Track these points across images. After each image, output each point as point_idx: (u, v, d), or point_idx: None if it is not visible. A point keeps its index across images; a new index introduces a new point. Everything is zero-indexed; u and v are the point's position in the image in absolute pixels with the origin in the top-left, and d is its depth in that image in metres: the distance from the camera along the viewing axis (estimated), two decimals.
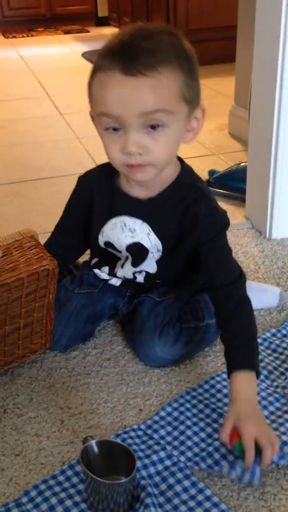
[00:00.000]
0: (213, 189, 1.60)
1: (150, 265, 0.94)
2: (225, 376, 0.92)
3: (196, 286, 1.03)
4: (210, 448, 0.79)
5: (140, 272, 0.96)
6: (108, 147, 0.78)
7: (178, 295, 1.00)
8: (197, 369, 0.94)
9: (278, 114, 1.23)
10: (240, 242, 1.33)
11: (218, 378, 0.91)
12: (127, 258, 0.95)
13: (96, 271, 1.01)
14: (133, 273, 0.96)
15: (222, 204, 1.52)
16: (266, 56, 1.23)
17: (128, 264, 0.95)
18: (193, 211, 0.87)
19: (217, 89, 2.74)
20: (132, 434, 0.81)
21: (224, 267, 0.89)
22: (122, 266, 0.96)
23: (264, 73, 1.25)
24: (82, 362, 0.97)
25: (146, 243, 0.91)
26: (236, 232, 1.38)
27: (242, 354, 0.83)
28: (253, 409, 0.78)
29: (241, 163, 1.69)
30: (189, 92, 0.77)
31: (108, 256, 0.97)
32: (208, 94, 2.71)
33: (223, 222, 0.90)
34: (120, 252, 0.94)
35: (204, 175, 1.67)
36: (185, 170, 0.89)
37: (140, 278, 0.96)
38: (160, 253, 0.92)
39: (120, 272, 0.98)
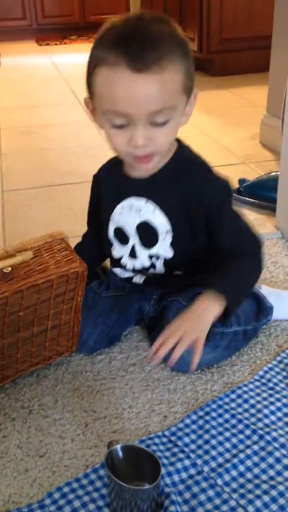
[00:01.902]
0: (243, 197, 1.59)
1: (165, 249, 0.93)
2: (252, 386, 0.90)
3: None
4: (235, 460, 0.77)
5: (157, 258, 0.94)
6: (114, 139, 0.81)
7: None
8: (223, 378, 0.93)
9: None
10: (269, 252, 1.32)
11: (245, 388, 0.90)
12: (133, 246, 0.95)
13: (118, 271, 1.02)
14: (150, 258, 0.95)
15: (252, 213, 1.53)
16: None
17: (140, 249, 0.94)
18: (194, 182, 0.88)
19: (249, 98, 2.73)
20: (157, 440, 0.81)
21: (239, 235, 0.90)
22: (135, 256, 0.96)
23: None
24: (108, 366, 0.97)
25: (153, 222, 0.91)
26: (266, 242, 1.36)
27: (219, 277, 0.86)
28: (199, 313, 0.82)
29: (272, 172, 1.67)
30: (188, 82, 0.79)
31: (111, 254, 0.99)
32: (240, 103, 2.71)
33: (227, 188, 0.90)
34: (128, 240, 0.95)
35: (234, 184, 1.67)
36: (181, 146, 0.92)
37: (159, 266, 0.95)
38: (172, 234, 0.91)
39: (137, 263, 0.97)
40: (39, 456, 0.79)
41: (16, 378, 0.93)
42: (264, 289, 1.07)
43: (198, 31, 3.08)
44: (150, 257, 0.95)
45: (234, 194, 1.60)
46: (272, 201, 1.48)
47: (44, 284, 0.82)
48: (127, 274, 1.02)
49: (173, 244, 0.93)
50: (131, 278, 1.02)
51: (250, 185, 1.61)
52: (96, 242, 1.05)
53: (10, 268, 0.81)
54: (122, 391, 0.91)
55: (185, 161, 0.90)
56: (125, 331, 1.05)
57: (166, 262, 0.95)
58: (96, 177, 1.02)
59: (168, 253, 0.94)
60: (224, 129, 2.29)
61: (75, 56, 4.21)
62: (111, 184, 0.96)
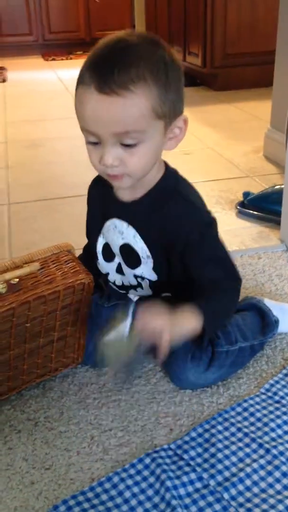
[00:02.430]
0: (248, 210, 1.59)
1: (149, 273, 0.92)
2: (258, 399, 0.90)
3: None
4: (242, 474, 0.77)
5: (142, 278, 0.94)
6: (90, 156, 0.82)
7: None
8: (229, 391, 0.93)
9: None
10: (274, 265, 1.32)
11: (251, 402, 0.90)
12: (119, 264, 0.94)
13: (112, 286, 1.01)
14: (136, 278, 0.94)
15: (256, 226, 1.54)
16: None
17: (125, 267, 0.94)
18: (172, 214, 0.86)
19: (253, 112, 2.76)
20: (163, 453, 0.80)
21: (218, 271, 0.88)
22: (123, 273, 0.95)
23: None
24: (113, 379, 0.96)
25: (134, 246, 0.90)
26: (270, 255, 1.36)
27: (200, 300, 0.85)
28: (181, 320, 0.82)
29: (276, 185, 1.68)
30: (163, 108, 0.77)
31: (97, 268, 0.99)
32: (244, 117, 2.73)
33: (206, 221, 0.88)
34: (114, 257, 0.95)
35: (238, 197, 1.67)
36: (168, 174, 0.89)
37: (146, 287, 0.94)
38: (152, 260, 0.90)
39: (125, 279, 0.96)
40: (45, 468, 0.79)
41: (22, 390, 0.93)
42: (268, 302, 1.07)
43: (202, 46, 3.11)
44: (135, 276, 0.94)
45: (238, 207, 1.62)
46: (277, 214, 1.48)
47: (51, 296, 0.83)
48: (121, 290, 1.01)
49: (155, 269, 0.91)
50: (125, 294, 1.01)
51: (254, 198, 1.62)
52: (93, 255, 1.02)
53: (17, 279, 0.81)
54: (128, 403, 0.91)
55: (165, 191, 0.88)
56: None
57: (152, 284, 0.94)
58: (88, 191, 1.01)
59: (152, 276, 0.92)
60: (228, 142, 2.31)
61: None
62: (99, 199, 0.96)
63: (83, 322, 0.92)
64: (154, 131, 0.78)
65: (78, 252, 1.02)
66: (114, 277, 0.97)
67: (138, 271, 0.92)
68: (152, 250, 0.89)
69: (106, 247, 0.95)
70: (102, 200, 0.95)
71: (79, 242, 1.11)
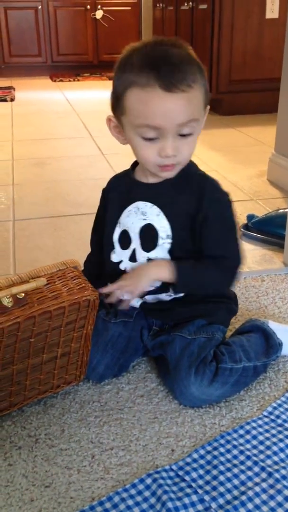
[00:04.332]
0: (252, 233, 1.60)
1: (163, 255, 0.97)
2: (261, 422, 0.89)
3: (230, 310, 1.06)
4: (244, 497, 0.76)
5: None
6: (144, 151, 0.89)
7: (211, 322, 1.00)
8: (231, 413, 0.92)
9: None
10: (278, 288, 1.32)
11: (254, 424, 0.89)
12: (134, 250, 0.99)
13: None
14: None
15: (260, 249, 1.54)
16: None
17: (139, 251, 0.98)
18: (198, 191, 0.95)
19: (257, 137, 2.79)
20: (164, 474, 0.79)
21: (225, 249, 0.96)
22: (135, 260, 0.99)
23: None
24: (115, 397, 0.96)
25: (156, 224, 0.96)
26: (274, 278, 1.37)
27: (185, 262, 0.94)
28: (141, 268, 0.95)
29: (280, 209, 1.70)
30: (207, 97, 0.90)
31: (109, 259, 1.02)
32: (249, 142, 2.76)
33: (229, 201, 0.97)
34: (130, 243, 0.99)
35: (242, 219, 1.69)
36: (192, 163, 0.98)
37: None
38: (170, 240, 0.96)
39: (135, 265, 0.99)
40: (45, 486, 0.78)
41: (23, 406, 0.92)
42: (272, 324, 1.07)
43: (208, 72, 3.15)
44: (148, 260, 0.98)
45: (242, 230, 1.63)
46: (280, 238, 1.49)
47: (56, 311, 0.83)
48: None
49: (170, 252, 0.97)
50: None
51: (258, 221, 1.63)
52: (99, 266, 1.07)
53: (23, 294, 0.82)
54: (130, 422, 0.90)
55: (192, 175, 0.97)
56: (133, 361, 1.04)
57: None
58: (104, 191, 1.08)
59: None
60: (232, 166, 2.33)
61: (87, 93, 4.33)
62: (121, 190, 1.02)
63: (87, 339, 0.92)
64: (202, 119, 0.90)
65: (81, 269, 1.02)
66: (125, 265, 1.01)
67: (152, 254, 0.97)
68: (174, 228, 0.96)
69: (123, 234, 1.00)
70: (124, 190, 1.02)
71: (83, 260, 1.12)
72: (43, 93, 4.34)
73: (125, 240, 1.00)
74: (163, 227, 0.96)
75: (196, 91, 0.85)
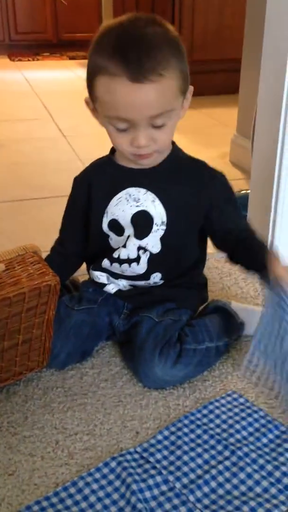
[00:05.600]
0: None
1: (154, 242, 0.95)
2: (223, 401, 0.91)
3: (201, 296, 1.06)
4: (207, 476, 0.77)
5: (144, 251, 0.96)
6: (117, 141, 0.86)
7: (180, 306, 1.00)
8: (195, 394, 0.93)
9: (281, 145, 1.25)
10: None
11: (217, 404, 0.90)
12: (128, 237, 0.96)
13: (96, 273, 1.01)
14: (138, 250, 0.96)
15: None
16: (271, 89, 1.25)
17: (132, 239, 0.95)
18: (200, 178, 0.94)
19: (219, 118, 2.79)
20: (128, 457, 0.80)
21: (239, 219, 0.99)
22: (125, 246, 0.96)
23: (269, 104, 1.27)
24: (79, 382, 0.95)
25: (151, 211, 0.94)
26: None
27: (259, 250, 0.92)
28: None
29: (242, 190, 1.70)
30: (184, 83, 0.84)
31: (107, 246, 0.99)
32: (211, 123, 2.76)
33: (229, 185, 0.98)
34: (123, 230, 0.96)
35: None
36: (177, 147, 0.97)
37: (143, 261, 0.96)
38: (164, 227, 0.94)
39: (124, 252, 0.97)
40: (8, 474, 0.77)
41: None
42: (234, 305, 1.08)
43: None
44: (139, 249, 0.96)
45: None
46: None
47: (15, 297, 0.81)
48: (102, 279, 1.01)
49: (163, 239, 0.95)
50: (105, 285, 1.02)
51: None
52: (65, 253, 1.04)
53: None
54: (94, 407, 0.90)
55: (185, 160, 0.96)
56: (97, 345, 1.04)
57: (150, 258, 0.96)
58: (82, 179, 1.01)
59: (156, 247, 0.95)
60: (194, 148, 2.31)
61: (47, 73, 4.23)
62: (105, 178, 0.97)
63: (49, 325, 0.91)
64: (179, 106, 0.86)
65: (44, 254, 1.00)
66: (119, 252, 0.98)
67: (144, 241, 0.95)
68: (170, 214, 0.94)
69: (113, 224, 0.96)
70: (109, 178, 0.97)
71: (45, 244, 1.10)
72: (1, 73, 4.21)
73: (117, 227, 0.96)
74: (159, 213, 0.93)
75: (168, 80, 0.79)
